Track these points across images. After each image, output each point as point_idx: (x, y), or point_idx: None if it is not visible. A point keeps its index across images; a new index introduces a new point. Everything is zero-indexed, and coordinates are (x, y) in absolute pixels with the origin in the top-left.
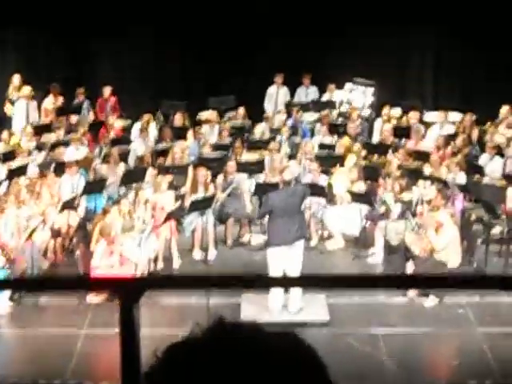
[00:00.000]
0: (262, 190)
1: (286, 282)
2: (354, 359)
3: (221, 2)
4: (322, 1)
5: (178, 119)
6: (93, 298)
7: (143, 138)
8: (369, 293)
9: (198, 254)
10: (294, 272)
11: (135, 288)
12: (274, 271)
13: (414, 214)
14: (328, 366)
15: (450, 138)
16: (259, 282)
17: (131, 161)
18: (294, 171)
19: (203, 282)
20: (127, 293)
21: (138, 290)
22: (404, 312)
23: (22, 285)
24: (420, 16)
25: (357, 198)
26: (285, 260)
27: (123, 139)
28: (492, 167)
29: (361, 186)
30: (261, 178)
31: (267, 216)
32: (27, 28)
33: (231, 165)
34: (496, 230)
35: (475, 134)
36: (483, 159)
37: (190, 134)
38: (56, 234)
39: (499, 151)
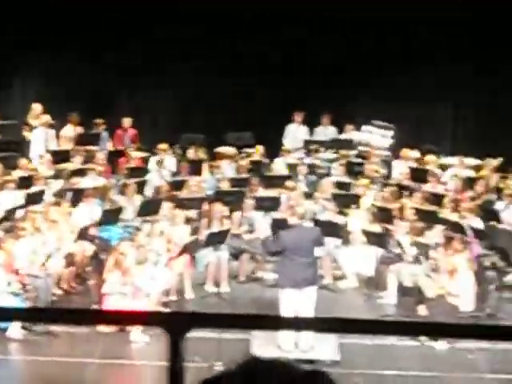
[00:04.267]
0: (277, 225)
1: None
2: None
3: (241, 42)
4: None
5: (194, 153)
6: (104, 328)
7: (160, 169)
8: (379, 336)
9: (210, 288)
10: (306, 314)
11: (183, 323)
12: (285, 311)
13: (428, 258)
14: None
15: (469, 182)
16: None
17: (148, 192)
18: (309, 208)
19: (243, 321)
20: (175, 328)
21: (186, 325)
22: (414, 355)
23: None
24: (441, 61)
25: (372, 239)
26: (296, 301)
27: (141, 170)
28: (508, 214)
29: (376, 228)
30: (276, 215)
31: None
32: (52, 54)
33: (248, 202)
34: (510, 277)
35: (494, 180)
36: (499, 206)
37: (205, 167)
38: (70, 262)
39: None
